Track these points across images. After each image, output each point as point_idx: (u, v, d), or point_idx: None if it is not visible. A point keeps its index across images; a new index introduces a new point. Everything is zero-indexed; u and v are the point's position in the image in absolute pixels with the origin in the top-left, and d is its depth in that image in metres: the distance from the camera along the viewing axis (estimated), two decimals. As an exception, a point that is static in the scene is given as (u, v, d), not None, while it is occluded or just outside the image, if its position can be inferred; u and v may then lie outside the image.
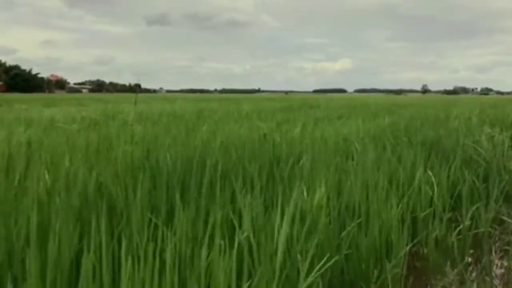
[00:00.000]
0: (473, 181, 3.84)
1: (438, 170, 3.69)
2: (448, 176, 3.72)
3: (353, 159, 4.03)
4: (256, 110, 12.72)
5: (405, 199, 3.09)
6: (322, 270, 2.01)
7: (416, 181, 3.37)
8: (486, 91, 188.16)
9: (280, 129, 6.06)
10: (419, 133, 5.75)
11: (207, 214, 2.14)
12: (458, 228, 3.08)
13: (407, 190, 3.26)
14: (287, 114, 10.65)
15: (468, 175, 3.83)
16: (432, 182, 3.42)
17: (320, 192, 2.53)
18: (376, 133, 5.80)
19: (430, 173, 3.53)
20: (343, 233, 2.47)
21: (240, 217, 2.16)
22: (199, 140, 4.23)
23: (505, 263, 3.06)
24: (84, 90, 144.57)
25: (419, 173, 3.46)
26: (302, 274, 1.94)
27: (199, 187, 2.61)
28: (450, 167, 3.94)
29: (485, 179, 4.19)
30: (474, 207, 3.29)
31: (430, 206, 3.28)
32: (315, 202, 2.47)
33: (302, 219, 2.25)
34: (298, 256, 2.02)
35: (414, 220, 3.16)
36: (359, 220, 2.61)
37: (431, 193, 3.34)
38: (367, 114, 11.01)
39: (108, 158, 3.31)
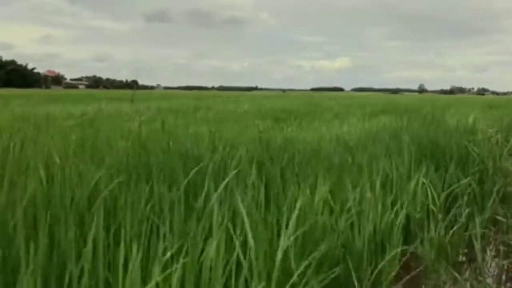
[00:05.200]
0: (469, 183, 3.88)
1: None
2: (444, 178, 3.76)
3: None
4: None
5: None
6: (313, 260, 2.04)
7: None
8: (482, 91, 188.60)
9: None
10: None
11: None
12: (453, 229, 3.12)
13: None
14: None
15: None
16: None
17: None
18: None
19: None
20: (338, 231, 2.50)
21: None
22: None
23: (499, 263, 3.10)
24: (81, 86, 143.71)
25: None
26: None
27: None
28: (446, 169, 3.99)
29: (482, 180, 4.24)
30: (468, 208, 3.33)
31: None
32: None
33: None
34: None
35: (409, 219, 3.20)
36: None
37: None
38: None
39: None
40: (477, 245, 2.78)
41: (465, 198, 3.61)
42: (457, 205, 3.49)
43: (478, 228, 2.93)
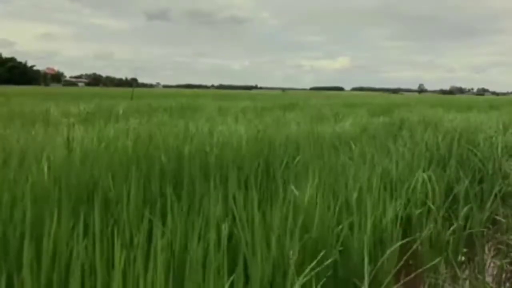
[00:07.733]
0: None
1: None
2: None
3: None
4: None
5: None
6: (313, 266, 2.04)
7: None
8: (482, 92, 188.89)
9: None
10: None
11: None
12: (452, 227, 3.12)
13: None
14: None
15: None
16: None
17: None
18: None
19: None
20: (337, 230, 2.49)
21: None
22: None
23: (498, 262, 3.10)
24: (80, 84, 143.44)
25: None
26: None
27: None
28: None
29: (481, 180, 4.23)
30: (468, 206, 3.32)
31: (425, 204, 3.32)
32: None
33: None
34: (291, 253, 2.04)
35: (409, 218, 3.20)
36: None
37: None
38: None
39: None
40: (477, 244, 2.77)
41: (464, 197, 3.61)
42: (456, 203, 3.49)
43: (478, 227, 2.92)
